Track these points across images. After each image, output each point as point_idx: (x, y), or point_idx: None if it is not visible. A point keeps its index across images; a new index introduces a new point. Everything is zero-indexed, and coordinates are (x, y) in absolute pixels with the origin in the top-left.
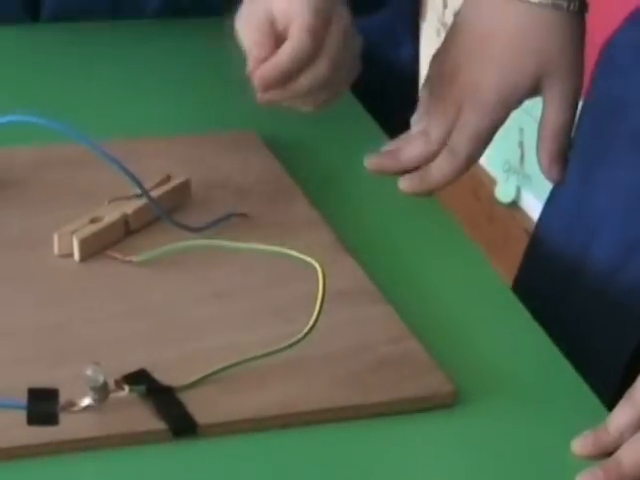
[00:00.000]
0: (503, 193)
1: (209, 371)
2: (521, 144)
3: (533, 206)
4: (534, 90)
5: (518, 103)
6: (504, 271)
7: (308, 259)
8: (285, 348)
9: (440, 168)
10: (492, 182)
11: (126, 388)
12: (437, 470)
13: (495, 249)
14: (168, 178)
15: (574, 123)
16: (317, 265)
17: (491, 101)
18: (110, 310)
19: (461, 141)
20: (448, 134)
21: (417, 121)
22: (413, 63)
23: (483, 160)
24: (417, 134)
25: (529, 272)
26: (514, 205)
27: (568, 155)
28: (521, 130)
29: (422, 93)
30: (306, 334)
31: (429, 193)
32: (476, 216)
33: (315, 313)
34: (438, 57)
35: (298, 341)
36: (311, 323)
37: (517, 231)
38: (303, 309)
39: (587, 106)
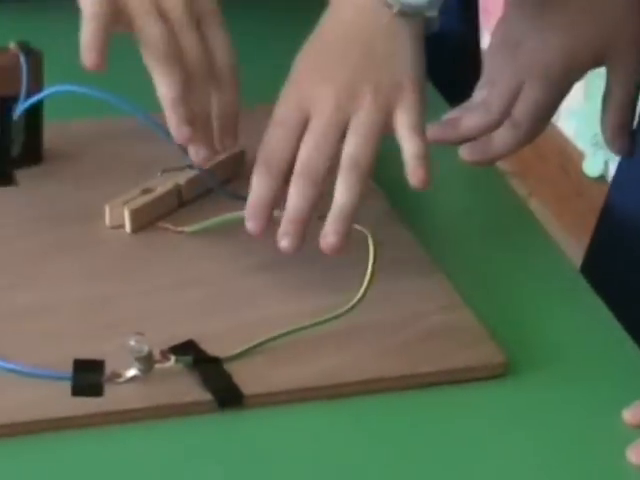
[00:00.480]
0: (591, 167)
1: (256, 341)
2: None
3: None
4: (597, 61)
5: (581, 74)
6: None
7: (358, 227)
8: (334, 318)
9: (502, 139)
10: (580, 156)
11: (172, 359)
12: (487, 441)
13: (583, 223)
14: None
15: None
16: (368, 233)
17: (554, 73)
18: (160, 281)
19: (523, 113)
20: (509, 106)
21: (479, 90)
22: (473, 31)
23: (571, 134)
24: (478, 104)
25: (598, 249)
26: (602, 179)
27: (632, 128)
28: None
29: (485, 62)
30: (355, 304)
31: (490, 163)
32: (564, 190)
33: (365, 282)
34: (501, 25)
35: (347, 311)
36: (361, 292)
37: None
38: (354, 279)
39: None
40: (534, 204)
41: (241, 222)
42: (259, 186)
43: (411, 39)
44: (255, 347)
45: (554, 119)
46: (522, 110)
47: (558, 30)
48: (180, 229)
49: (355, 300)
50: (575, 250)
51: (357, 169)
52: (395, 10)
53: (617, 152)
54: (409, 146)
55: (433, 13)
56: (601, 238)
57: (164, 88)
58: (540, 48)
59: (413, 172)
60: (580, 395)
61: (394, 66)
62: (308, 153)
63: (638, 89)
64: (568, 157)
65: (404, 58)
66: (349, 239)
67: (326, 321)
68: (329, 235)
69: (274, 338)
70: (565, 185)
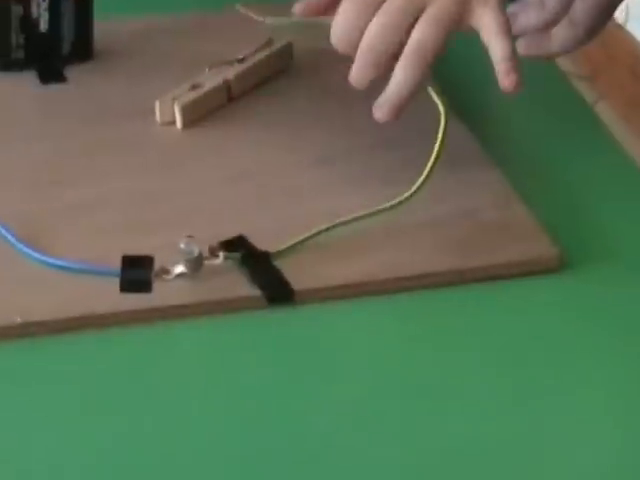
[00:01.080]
0: None
1: (306, 234)
2: None
3: None
4: None
5: None
6: None
7: (435, 97)
8: (386, 209)
9: (559, 37)
10: None
11: (220, 255)
12: (539, 336)
13: None
14: (270, 42)
15: None
16: (441, 105)
17: None
18: (210, 177)
19: (581, 11)
20: (566, 5)
21: None
22: None
23: None
24: (532, 2)
25: None
26: None
27: None
28: None
29: None
30: (412, 194)
31: (547, 59)
32: (635, 95)
33: (428, 167)
34: None
35: (401, 202)
36: (420, 180)
37: None
38: (410, 174)
39: None
40: (603, 107)
41: (293, 113)
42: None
43: None
44: (305, 240)
45: (623, 21)
46: (580, 8)
47: None
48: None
49: (412, 190)
50: None
51: (419, 52)
52: None
53: None
54: (498, 48)
55: None
56: None
57: None
58: None
59: (505, 75)
60: (635, 290)
61: None
62: (375, 30)
63: None
64: (638, 59)
65: None
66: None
67: (377, 212)
68: (377, 111)
69: (324, 231)
70: (635, 89)
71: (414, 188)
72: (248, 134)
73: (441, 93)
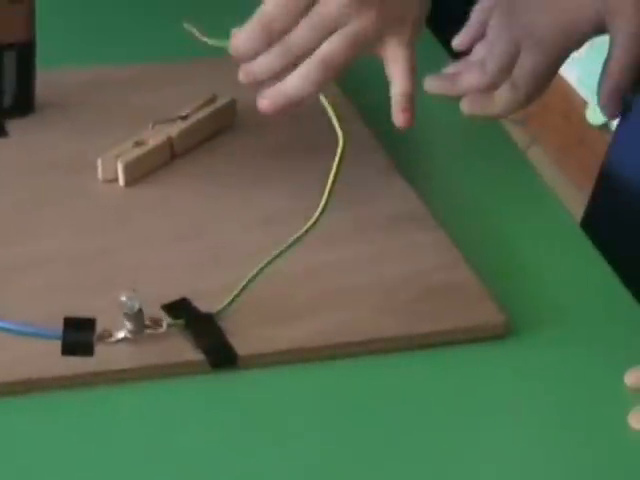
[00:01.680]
0: (594, 115)
1: (241, 284)
2: None
3: None
4: (598, 29)
5: (578, 44)
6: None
7: (336, 124)
8: (296, 241)
9: (501, 99)
10: (583, 104)
11: (164, 324)
12: (488, 401)
13: (585, 172)
14: (214, 98)
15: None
16: (339, 130)
17: (548, 42)
18: (153, 236)
19: (521, 77)
20: (505, 69)
21: (479, 46)
22: None
23: (574, 82)
24: (475, 63)
25: (599, 205)
26: (605, 127)
27: (630, 94)
28: None
29: (474, 15)
30: (319, 216)
31: (489, 119)
32: (567, 138)
33: (326, 193)
34: None
35: (312, 225)
36: (322, 203)
37: None
38: (357, 234)
39: None
40: (536, 152)
41: (239, 174)
42: (249, 36)
43: None
44: (243, 293)
45: None
46: (520, 74)
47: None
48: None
49: (316, 215)
50: (576, 198)
51: (325, 63)
52: None
53: (609, 116)
54: (401, 84)
55: None
56: (601, 195)
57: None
58: (533, 17)
59: (400, 112)
60: (580, 355)
61: None
62: (298, 30)
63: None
64: (571, 105)
65: None
66: None
67: (290, 246)
68: (263, 99)
69: (255, 275)
70: (568, 133)
71: (318, 210)
72: (191, 192)
73: (341, 118)
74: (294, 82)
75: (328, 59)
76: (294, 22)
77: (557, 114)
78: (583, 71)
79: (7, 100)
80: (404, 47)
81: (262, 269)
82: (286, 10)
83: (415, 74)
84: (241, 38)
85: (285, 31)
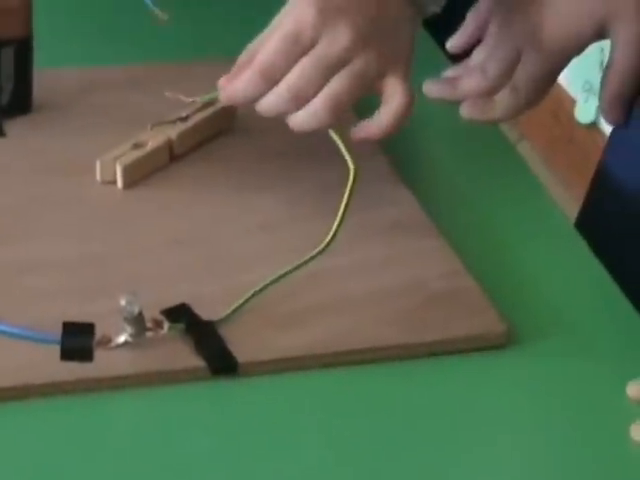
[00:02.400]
0: (583, 114)
1: (245, 297)
2: (602, 64)
3: None
4: (599, 35)
5: (579, 50)
6: (582, 194)
7: (347, 157)
8: (310, 259)
9: (502, 103)
10: (572, 103)
11: (165, 327)
12: (488, 411)
13: (574, 170)
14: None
15: None
16: (351, 164)
17: (549, 48)
18: (152, 239)
19: (521, 82)
20: (506, 74)
21: (480, 49)
22: None
23: (563, 80)
24: (476, 67)
25: (594, 207)
26: (593, 126)
27: (633, 100)
28: (602, 50)
29: (470, 18)
30: (328, 243)
31: (489, 124)
32: (555, 137)
33: (337, 220)
34: None
35: (320, 252)
36: (332, 232)
37: (596, 152)
38: (352, 242)
39: None
40: (524, 148)
41: (238, 181)
42: (248, 85)
43: (410, 21)
44: (245, 303)
45: None
46: (521, 79)
47: (553, 5)
48: (192, 99)
49: (327, 240)
50: (564, 196)
51: (329, 103)
52: None
53: (611, 123)
54: (388, 117)
55: (436, 9)
56: (595, 196)
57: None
58: (534, 23)
59: (368, 132)
60: (582, 364)
61: (399, 36)
62: (301, 72)
63: None
64: (560, 103)
65: (406, 33)
66: None
67: (304, 263)
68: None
69: (260, 290)
70: (556, 131)
71: (329, 237)
72: (190, 195)
73: (352, 150)
74: (304, 118)
75: (335, 99)
76: (294, 65)
77: (546, 112)
78: (572, 70)
79: (4, 98)
80: (402, 81)
81: (267, 286)
82: (286, 56)
83: (410, 110)
84: (240, 87)
85: (285, 75)
